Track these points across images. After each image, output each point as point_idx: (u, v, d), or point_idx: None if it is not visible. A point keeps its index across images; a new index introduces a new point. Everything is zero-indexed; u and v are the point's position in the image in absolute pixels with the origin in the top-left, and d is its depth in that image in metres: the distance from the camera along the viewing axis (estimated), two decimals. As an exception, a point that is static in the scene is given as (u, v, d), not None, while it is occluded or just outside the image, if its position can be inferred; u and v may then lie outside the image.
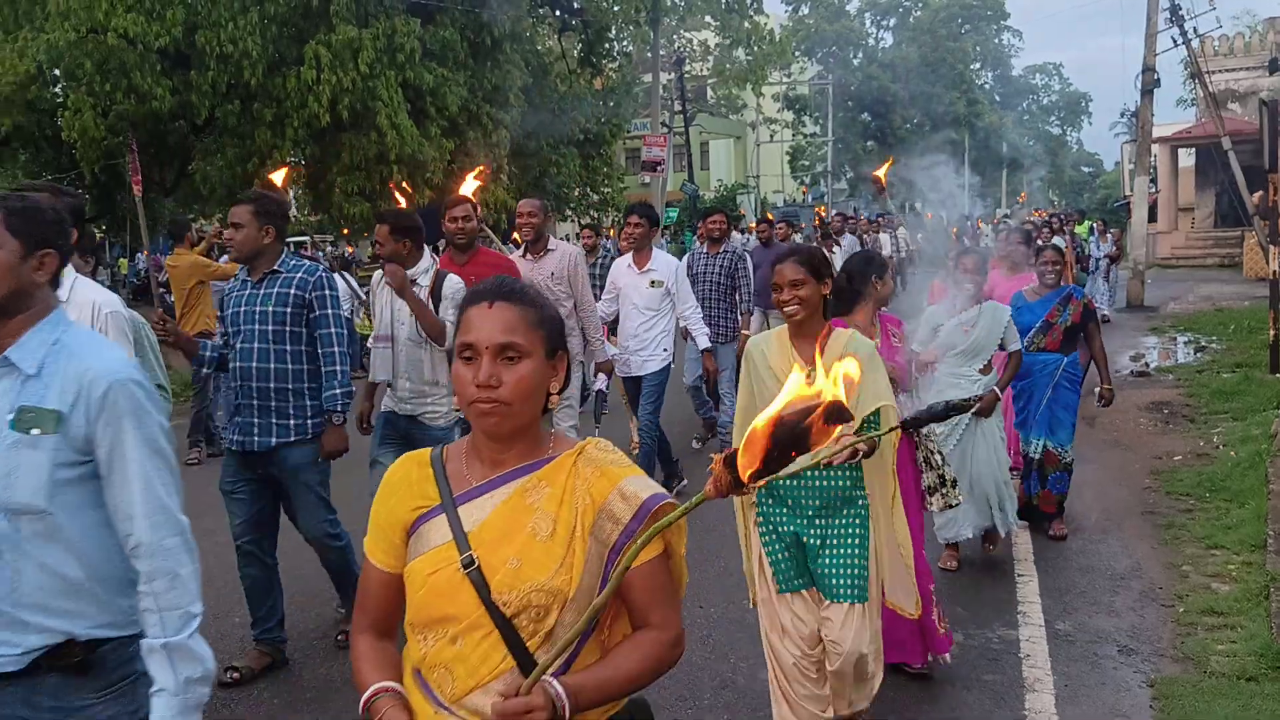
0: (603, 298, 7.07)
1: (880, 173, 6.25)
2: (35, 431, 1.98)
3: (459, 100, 18.46)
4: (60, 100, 16.97)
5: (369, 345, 5.04)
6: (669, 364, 6.95)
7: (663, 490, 1.79)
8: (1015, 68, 69.13)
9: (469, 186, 5.67)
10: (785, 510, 3.56)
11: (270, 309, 4.28)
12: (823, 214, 15.72)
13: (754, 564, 3.66)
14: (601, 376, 6.60)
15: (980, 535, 5.74)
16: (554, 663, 1.63)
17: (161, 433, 2.10)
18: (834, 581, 3.48)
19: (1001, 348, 5.47)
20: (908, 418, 3.87)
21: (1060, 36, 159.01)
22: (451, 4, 18.89)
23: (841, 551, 3.49)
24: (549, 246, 6.26)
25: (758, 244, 11.68)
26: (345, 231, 23.62)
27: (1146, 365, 12.77)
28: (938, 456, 4.46)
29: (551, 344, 1.79)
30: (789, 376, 1.32)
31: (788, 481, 3.49)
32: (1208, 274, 26.24)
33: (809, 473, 3.47)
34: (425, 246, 5.01)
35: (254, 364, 4.29)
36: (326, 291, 4.37)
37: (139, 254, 25.74)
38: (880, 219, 17.76)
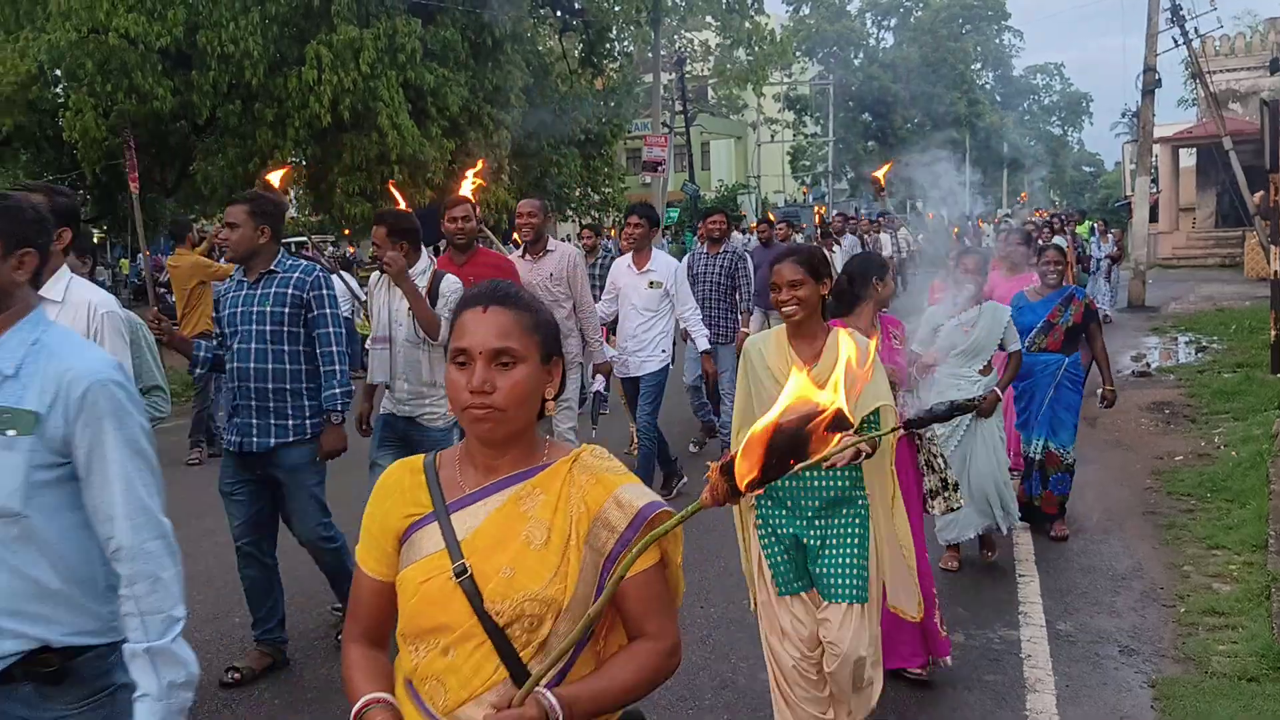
0: (602, 298, 7.06)
1: (879, 174, 6.23)
2: (10, 433, 1.94)
3: (460, 100, 18.46)
4: (61, 100, 16.98)
5: (367, 347, 5.03)
6: (667, 365, 6.94)
7: (659, 498, 1.76)
8: (1016, 68, 69.16)
9: (468, 186, 5.67)
10: (784, 512, 3.53)
11: (268, 309, 4.26)
12: (822, 213, 15.67)
13: (753, 566, 3.64)
14: (599, 378, 6.59)
15: (979, 539, 5.71)
16: (548, 673, 1.60)
17: (143, 434, 2.06)
18: (832, 581, 3.45)
19: (1001, 348, 5.47)
20: (910, 418, 3.86)
21: (1061, 37, 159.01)
22: (452, 4, 18.89)
23: (841, 551, 3.46)
24: (548, 247, 6.25)
25: (758, 244, 11.68)
26: (347, 232, 23.65)
27: (1148, 365, 12.77)
28: (940, 460, 4.45)
29: (546, 349, 1.76)
30: (789, 379, 1.29)
31: (787, 483, 3.47)
32: (1209, 274, 26.24)
33: (808, 474, 3.44)
34: (423, 247, 5.01)
35: (251, 364, 4.28)
36: (324, 291, 4.36)
37: (140, 254, 25.78)
38: (881, 219, 17.75)
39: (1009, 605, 5.15)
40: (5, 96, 15.92)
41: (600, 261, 8.40)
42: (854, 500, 3.50)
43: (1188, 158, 32.03)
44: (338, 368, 4.36)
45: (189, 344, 4.40)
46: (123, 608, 1.99)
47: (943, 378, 5.29)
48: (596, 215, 27.13)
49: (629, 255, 7.04)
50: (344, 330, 4.50)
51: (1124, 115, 47.69)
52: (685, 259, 8.13)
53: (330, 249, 25.46)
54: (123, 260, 27.46)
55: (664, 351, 6.87)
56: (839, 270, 4.29)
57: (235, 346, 4.32)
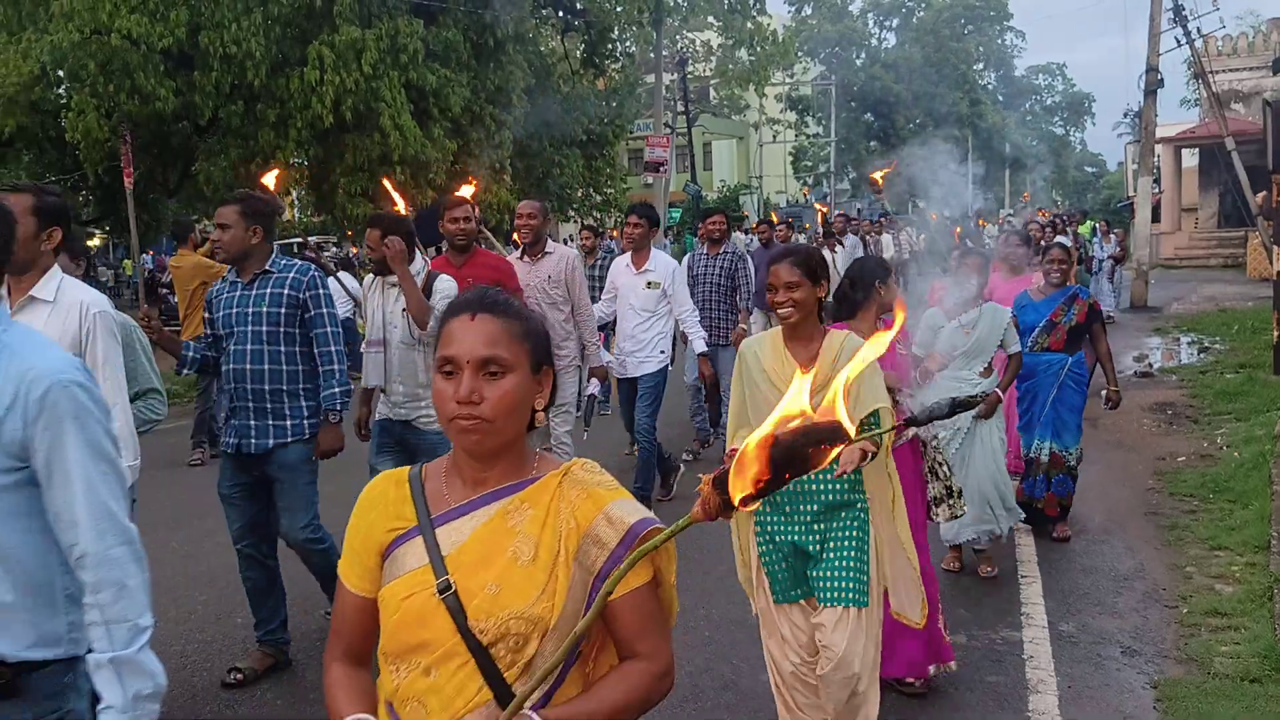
0: (602, 297, 7.05)
1: (878, 175, 6.24)
2: None
3: (462, 101, 18.48)
4: (64, 101, 16.99)
5: (362, 350, 5.03)
6: (666, 366, 6.91)
7: (651, 515, 1.70)
8: (1018, 68, 69.13)
9: (467, 189, 5.67)
10: (782, 518, 3.48)
11: (264, 310, 4.25)
12: (825, 212, 15.64)
13: (751, 573, 3.59)
14: (594, 381, 6.55)
15: (977, 554, 5.66)
16: (533, 694, 1.55)
17: (106, 436, 1.97)
18: (829, 585, 3.39)
19: (1002, 349, 5.46)
20: (911, 415, 3.83)
21: (1063, 37, 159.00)
22: (454, 5, 18.91)
23: (839, 555, 3.40)
24: (547, 249, 6.24)
25: (759, 245, 11.67)
26: (350, 233, 23.64)
27: (1150, 366, 12.76)
28: (945, 468, 4.43)
29: (537, 357, 1.70)
30: (790, 387, 1.24)
31: (785, 488, 3.44)
32: (1211, 274, 26.22)
33: (806, 479, 3.37)
34: (418, 249, 5.00)
35: (248, 365, 4.27)
36: (320, 291, 4.34)
37: (143, 254, 25.80)
38: (883, 219, 17.73)
39: (1011, 606, 5.15)
40: (8, 97, 15.95)
41: (600, 262, 8.40)
42: (853, 504, 3.45)
43: (1190, 158, 32.01)
44: (336, 367, 4.35)
45: (177, 344, 4.38)
46: (87, 616, 1.91)
47: (943, 379, 5.28)
48: (598, 216, 27.13)
49: (628, 255, 7.02)
50: (341, 330, 4.49)
51: (1126, 115, 47.60)
52: (685, 260, 8.12)
53: (333, 249, 25.47)
54: (126, 261, 27.50)
55: (663, 353, 6.83)
56: (841, 272, 4.26)
57: (231, 348, 4.30)
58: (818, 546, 3.44)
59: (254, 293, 4.28)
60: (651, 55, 30.37)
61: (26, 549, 1.92)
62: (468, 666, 1.62)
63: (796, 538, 3.46)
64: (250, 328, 4.25)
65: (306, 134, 17.29)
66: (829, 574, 3.41)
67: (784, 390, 1.27)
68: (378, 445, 4.90)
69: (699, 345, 7.11)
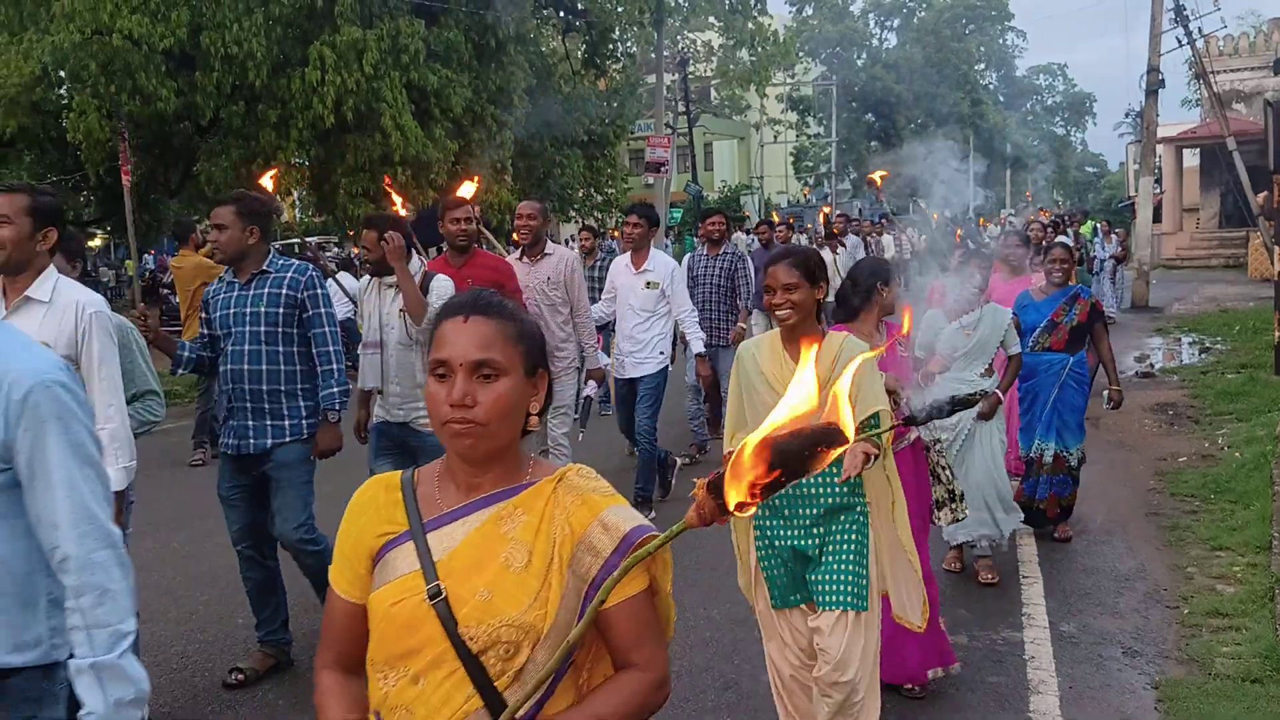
0: (602, 298, 7.04)
1: (877, 175, 6.24)
2: None
3: (463, 101, 18.47)
4: (65, 102, 16.99)
5: (360, 351, 5.02)
6: (666, 366, 6.88)
7: (647, 522, 1.66)
8: (1019, 68, 69.15)
9: (467, 190, 5.67)
10: (781, 522, 3.46)
11: (262, 310, 4.24)
12: (827, 213, 15.66)
13: (750, 577, 3.57)
14: (592, 384, 6.53)
15: (978, 551, 5.65)
16: (524, 704, 1.52)
17: (90, 438, 1.94)
18: (827, 588, 3.35)
19: (1003, 350, 5.45)
20: (912, 413, 3.82)
21: (1064, 37, 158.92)
22: (456, 5, 18.91)
23: (837, 558, 3.37)
24: (546, 250, 6.22)
25: (759, 246, 11.66)
26: (351, 234, 23.65)
27: (1151, 366, 12.75)
28: (947, 472, 4.42)
29: (531, 360, 1.67)
30: (789, 389, 1.21)
31: (784, 492, 3.42)
32: (1212, 275, 26.22)
33: (805, 482, 3.34)
34: (414, 251, 5.00)
35: (246, 366, 4.26)
36: (318, 291, 4.34)
37: (146, 254, 25.80)
38: (883, 220, 17.74)
39: (1012, 607, 5.14)
40: (9, 98, 15.94)
41: (599, 263, 8.38)
42: (853, 508, 3.42)
43: (1191, 158, 32.01)
44: (335, 367, 4.35)
45: (172, 343, 4.37)
46: (69, 620, 1.87)
47: (944, 381, 5.27)
48: (599, 216, 27.14)
49: (627, 255, 7.00)
50: (339, 329, 4.49)
51: (1127, 116, 47.56)
52: (685, 261, 8.11)
53: (334, 249, 25.46)
54: (128, 261, 27.49)
55: (662, 353, 6.80)
56: (843, 272, 4.26)
57: (229, 348, 4.29)
58: (817, 550, 3.41)
59: (251, 293, 4.27)
60: (652, 55, 30.36)
61: (9, 552, 1.90)
62: (457, 674, 1.59)
63: (796, 542, 3.43)
64: (248, 328, 4.24)
65: (308, 134, 17.29)
66: (827, 577, 3.38)
67: (781, 393, 1.24)
68: (377, 449, 4.89)
69: (696, 346, 7.08)
